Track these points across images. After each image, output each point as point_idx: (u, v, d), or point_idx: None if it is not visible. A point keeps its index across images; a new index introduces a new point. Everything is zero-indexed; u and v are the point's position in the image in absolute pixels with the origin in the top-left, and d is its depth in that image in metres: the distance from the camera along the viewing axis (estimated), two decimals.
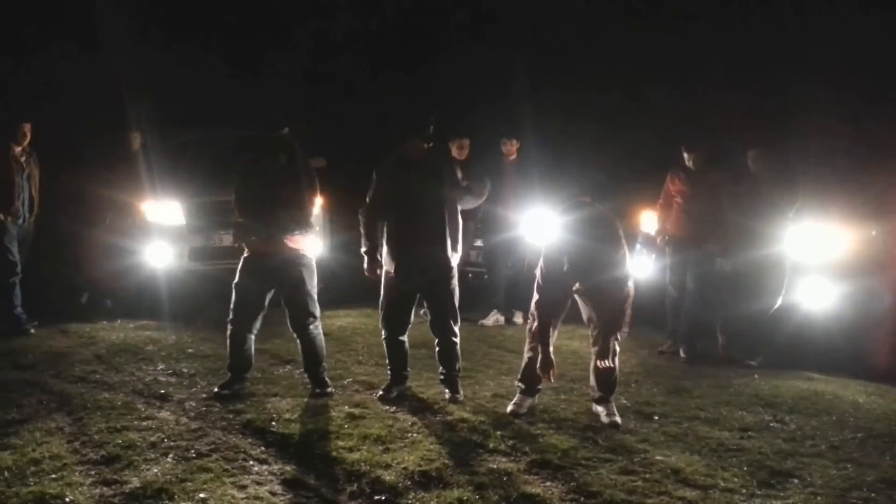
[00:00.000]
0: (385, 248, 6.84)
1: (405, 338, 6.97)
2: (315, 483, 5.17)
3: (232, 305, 6.84)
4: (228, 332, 6.86)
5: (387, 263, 6.83)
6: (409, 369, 7.05)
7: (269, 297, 6.83)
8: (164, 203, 10.14)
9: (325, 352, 7.10)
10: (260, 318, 6.89)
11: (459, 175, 6.99)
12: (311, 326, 6.88)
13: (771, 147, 8.56)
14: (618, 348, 6.48)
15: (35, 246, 9.23)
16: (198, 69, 14.96)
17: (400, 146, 6.83)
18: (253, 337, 6.91)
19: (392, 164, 6.87)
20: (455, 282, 6.88)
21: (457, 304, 6.92)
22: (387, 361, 7.01)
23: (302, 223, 6.76)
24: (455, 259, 6.85)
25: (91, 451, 5.53)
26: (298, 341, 6.95)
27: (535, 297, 6.50)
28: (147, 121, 10.55)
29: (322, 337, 7.01)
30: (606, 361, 6.37)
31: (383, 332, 6.96)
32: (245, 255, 6.83)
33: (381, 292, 6.92)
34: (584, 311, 6.58)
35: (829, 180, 8.71)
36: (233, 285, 6.85)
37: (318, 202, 7.21)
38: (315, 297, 6.89)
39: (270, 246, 6.70)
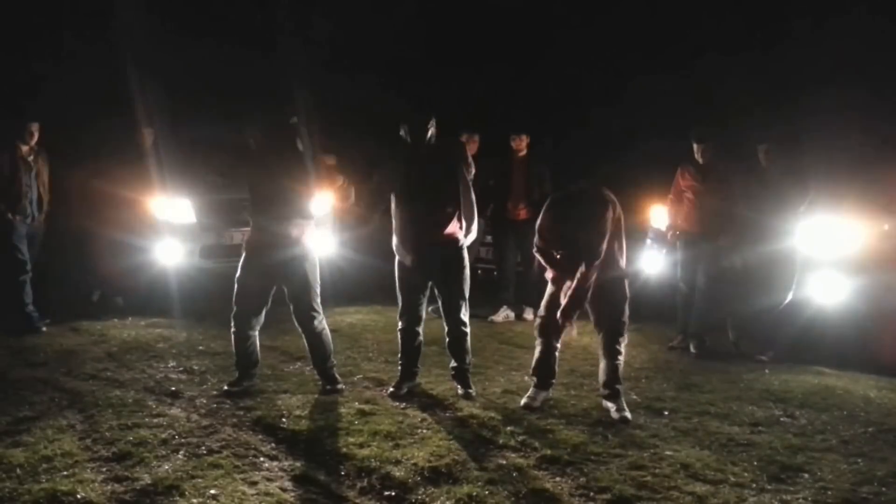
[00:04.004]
0: (394, 234, 6.88)
1: (420, 330, 6.99)
2: (325, 479, 5.18)
3: (234, 300, 6.83)
4: (232, 329, 6.86)
5: (397, 250, 6.87)
6: (419, 366, 7.06)
7: (271, 293, 6.83)
8: (175, 200, 10.16)
9: (334, 347, 7.10)
10: (262, 314, 6.87)
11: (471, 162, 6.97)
12: (315, 321, 6.87)
13: (782, 141, 8.53)
14: (623, 352, 6.51)
15: (46, 244, 9.26)
16: (210, 66, 14.98)
17: (412, 137, 6.84)
18: (256, 334, 6.89)
19: (402, 148, 6.90)
20: (467, 270, 6.90)
21: (467, 293, 6.94)
22: (398, 356, 7.02)
23: (305, 216, 6.76)
24: (467, 240, 6.86)
25: (102, 448, 5.54)
26: (304, 337, 6.96)
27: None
28: (159, 118, 10.56)
29: (328, 332, 7.01)
30: (618, 359, 6.47)
31: (399, 324, 6.98)
32: (246, 244, 6.85)
33: (397, 284, 6.95)
34: (590, 311, 6.59)
35: (841, 174, 8.67)
36: (235, 279, 6.85)
37: (328, 199, 7.18)
38: (318, 291, 6.89)
39: (274, 239, 6.70)
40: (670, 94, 13.33)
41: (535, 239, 6.66)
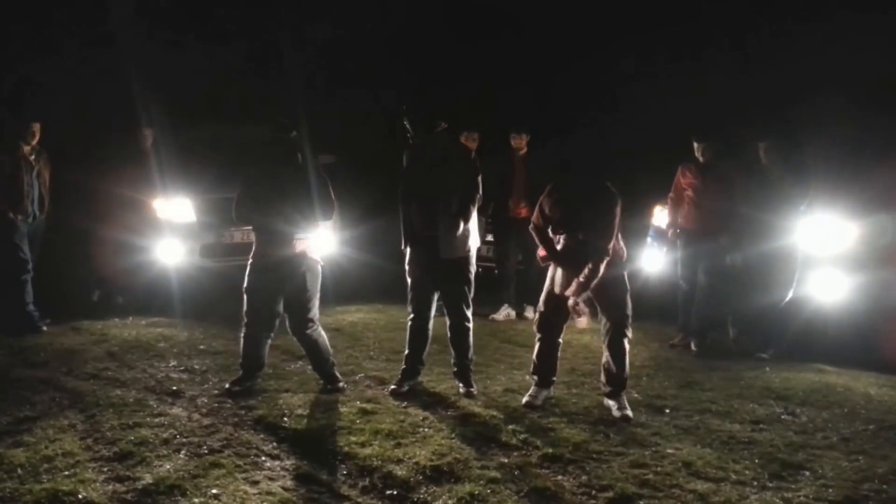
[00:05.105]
0: (402, 231, 6.92)
1: (430, 325, 7.01)
2: (327, 478, 5.18)
3: (245, 310, 6.82)
4: (243, 334, 6.84)
5: (404, 246, 6.93)
6: (423, 362, 7.07)
7: (280, 301, 6.79)
8: (175, 200, 10.16)
9: (335, 346, 7.10)
10: (276, 322, 6.85)
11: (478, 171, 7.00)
12: (310, 331, 6.84)
13: (782, 138, 8.53)
14: (628, 346, 6.51)
15: (46, 243, 9.26)
16: (209, 65, 14.98)
17: (418, 133, 6.88)
18: (269, 341, 6.90)
19: (413, 150, 6.93)
20: (470, 270, 6.92)
21: (470, 292, 6.95)
22: (405, 351, 7.04)
23: (311, 224, 6.76)
24: (469, 247, 6.86)
25: (104, 447, 5.54)
26: (300, 344, 6.96)
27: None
28: (158, 117, 10.55)
29: (324, 336, 6.98)
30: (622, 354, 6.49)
31: (410, 314, 7.02)
32: (252, 255, 6.84)
33: (408, 280, 7.00)
34: (597, 307, 6.61)
35: (841, 172, 8.67)
36: (244, 289, 6.84)
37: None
38: (316, 301, 6.86)
39: (279, 247, 6.70)
40: (670, 92, 13.33)
41: (533, 216, 6.69)
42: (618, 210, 6.37)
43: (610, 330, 6.48)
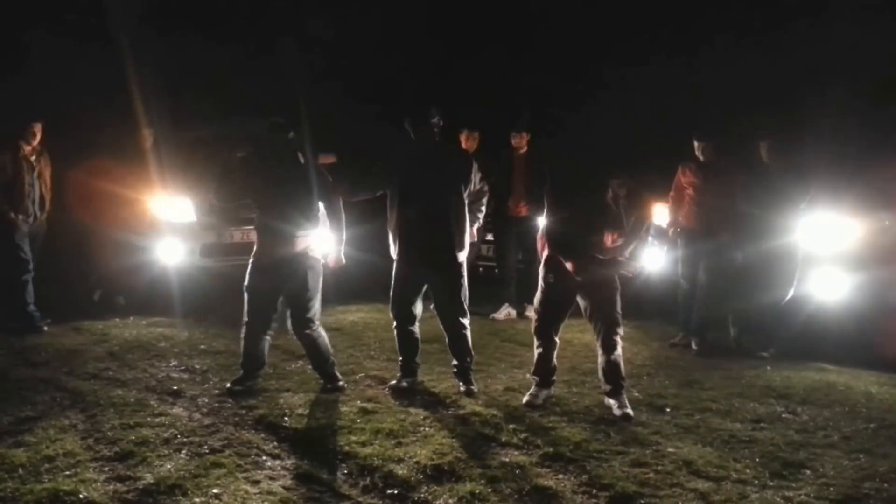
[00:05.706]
0: (390, 234, 6.89)
1: (416, 328, 7.00)
2: (328, 477, 5.18)
3: (246, 308, 6.82)
4: (243, 334, 6.83)
5: (392, 250, 6.90)
6: (418, 361, 7.07)
7: (280, 299, 6.80)
8: (175, 200, 10.15)
9: (336, 346, 7.09)
10: (275, 319, 6.87)
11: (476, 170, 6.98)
12: (309, 330, 6.83)
13: (783, 137, 8.52)
14: (621, 343, 6.52)
15: (47, 244, 9.26)
16: (210, 64, 14.97)
17: (417, 133, 6.88)
18: (268, 338, 6.90)
19: (406, 150, 6.92)
20: (464, 273, 6.90)
21: (465, 295, 6.93)
22: (399, 355, 7.03)
23: (312, 223, 6.76)
24: (462, 253, 6.85)
25: (104, 447, 5.54)
26: (300, 343, 6.96)
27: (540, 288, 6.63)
28: (159, 117, 10.54)
29: (324, 336, 6.97)
30: (616, 352, 6.47)
31: (394, 322, 7.00)
32: (254, 254, 6.84)
33: (392, 282, 6.96)
34: (584, 307, 6.59)
35: (842, 170, 8.67)
36: (244, 287, 6.85)
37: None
38: (318, 300, 6.85)
39: (280, 245, 6.70)
40: (670, 91, 13.33)
41: (546, 251, 6.65)
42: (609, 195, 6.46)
43: (602, 329, 6.49)
